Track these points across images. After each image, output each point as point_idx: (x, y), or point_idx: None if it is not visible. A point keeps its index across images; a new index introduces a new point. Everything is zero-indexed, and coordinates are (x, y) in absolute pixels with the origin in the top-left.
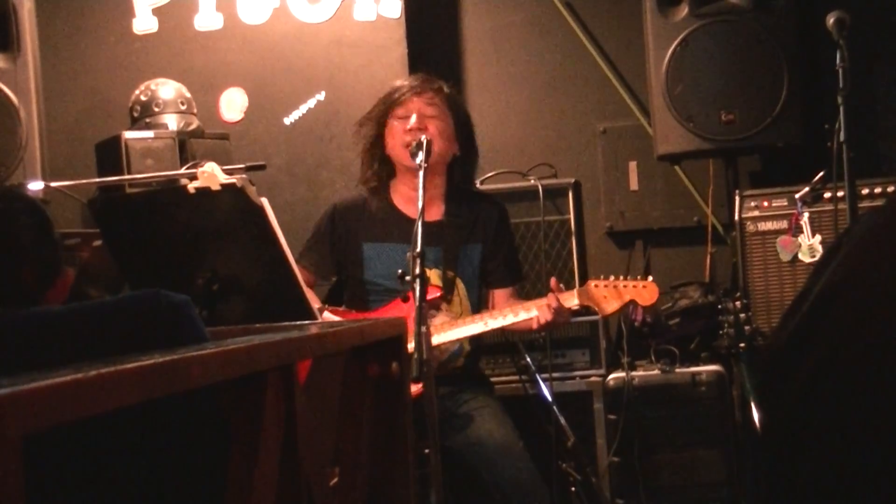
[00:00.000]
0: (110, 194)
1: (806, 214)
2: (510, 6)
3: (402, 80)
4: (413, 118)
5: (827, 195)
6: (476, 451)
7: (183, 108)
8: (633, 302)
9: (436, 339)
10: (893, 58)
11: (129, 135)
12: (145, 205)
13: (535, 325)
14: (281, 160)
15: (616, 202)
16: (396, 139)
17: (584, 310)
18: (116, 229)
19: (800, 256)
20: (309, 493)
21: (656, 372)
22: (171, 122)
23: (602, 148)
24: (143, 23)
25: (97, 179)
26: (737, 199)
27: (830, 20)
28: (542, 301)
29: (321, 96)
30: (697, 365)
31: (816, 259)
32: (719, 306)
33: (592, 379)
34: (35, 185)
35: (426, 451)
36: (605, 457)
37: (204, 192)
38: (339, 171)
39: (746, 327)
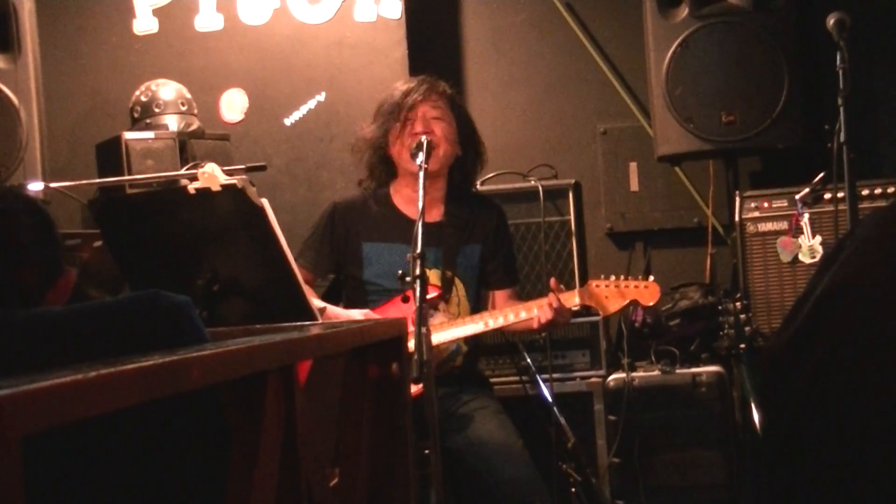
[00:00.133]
0: (111, 195)
1: (806, 215)
2: (510, 7)
3: (406, 83)
4: (419, 123)
5: (827, 196)
6: (476, 452)
7: (183, 108)
8: (634, 301)
9: (434, 338)
10: (893, 58)
11: (129, 135)
12: (146, 205)
13: (535, 325)
14: (281, 161)
15: (616, 203)
16: (403, 144)
17: (585, 310)
18: (117, 230)
19: (800, 257)
20: (309, 494)
21: (656, 373)
22: (172, 122)
23: (602, 149)
24: (144, 23)
25: (97, 180)
26: (737, 199)
27: (831, 21)
28: (543, 301)
29: (321, 97)
30: (698, 366)
31: (817, 260)
32: (719, 307)
33: (593, 380)
34: (35, 186)
35: (426, 451)
36: (606, 457)
37: (204, 192)
38: (339, 171)
39: (747, 328)
